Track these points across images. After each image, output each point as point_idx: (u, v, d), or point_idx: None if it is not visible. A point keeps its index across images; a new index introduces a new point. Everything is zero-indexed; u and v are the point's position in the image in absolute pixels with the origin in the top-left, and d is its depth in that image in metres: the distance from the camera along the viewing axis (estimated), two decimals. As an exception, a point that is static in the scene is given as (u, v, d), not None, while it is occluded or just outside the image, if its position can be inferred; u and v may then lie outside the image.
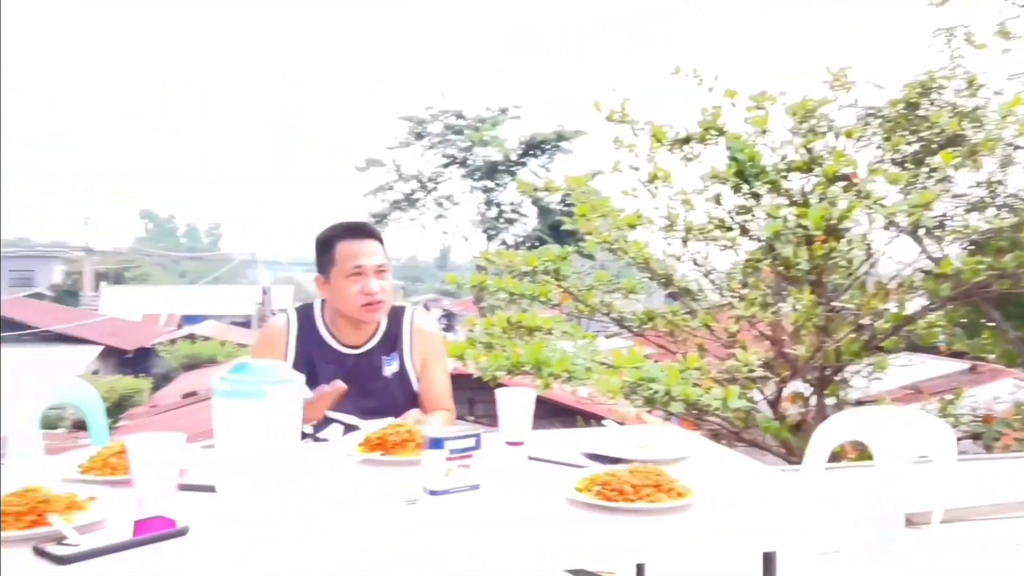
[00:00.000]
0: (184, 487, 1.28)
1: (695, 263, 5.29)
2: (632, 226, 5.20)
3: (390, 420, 1.94)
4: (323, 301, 2.15)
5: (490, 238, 26.79)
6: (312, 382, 1.89)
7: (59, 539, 1.05)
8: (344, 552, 1.10)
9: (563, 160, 26.60)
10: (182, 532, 1.09)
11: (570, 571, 1.46)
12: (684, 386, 4.33)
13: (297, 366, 1.98)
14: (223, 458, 1.22)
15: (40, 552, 1.03)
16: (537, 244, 20.00)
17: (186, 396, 13.99)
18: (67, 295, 33.35)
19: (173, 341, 24.00)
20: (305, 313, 2.13)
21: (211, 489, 1.28)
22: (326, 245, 2.09)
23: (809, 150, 4.83)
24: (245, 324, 32.94)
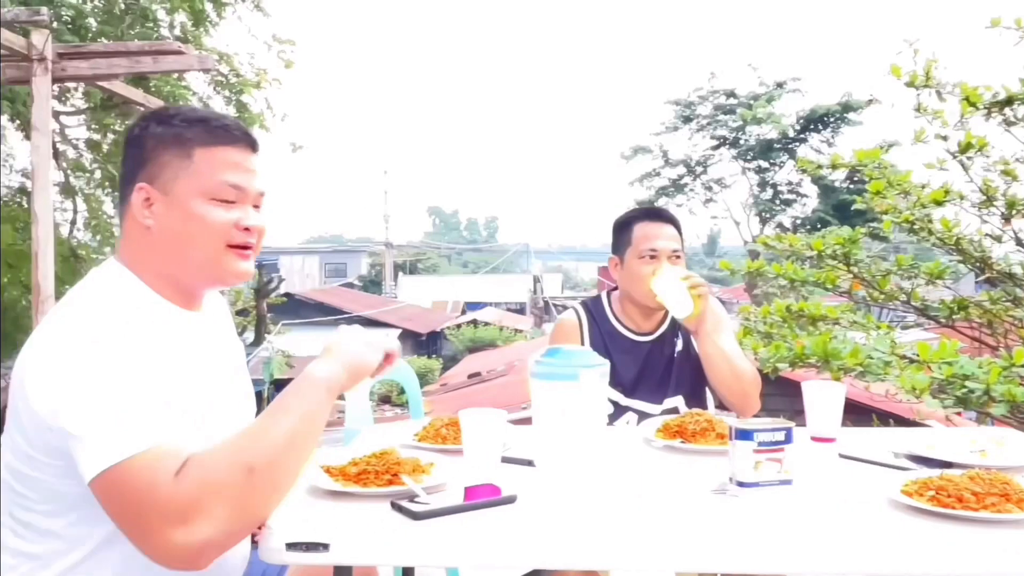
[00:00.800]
0: (505, 459, 1.41)
1: (1019, 243, 4.59)
2: (939, 203, 4.61)
3: (678, 402, 1.95)
4: (609, 293, 2.21)
5: (764, 221, 25.43)
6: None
7: (411, 497, 1.21)
8: (658, 535, 1.13)
9: (850, 133, 24.34)
10: (511, 500, 1.20)
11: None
12: (1009, 385, 3.77)
13: None
14: (540, 435, 1.32)
15: (397, 507, 1.19)
16: (818, 226, 18.61)
17: (471, 376, 15.19)
18: (372, 284, 37.90)
19: (459, 326, 26.18)
20: (594, 306, 2.20)
21: (530, 463, 1.39)
22: (625, 226, 2.16)
23: None
24: (519, 311, 34.89)
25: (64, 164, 9.72)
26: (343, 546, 1.11)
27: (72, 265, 9.69)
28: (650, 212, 2.20)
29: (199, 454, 1.09)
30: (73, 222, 10.43)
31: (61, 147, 9.37)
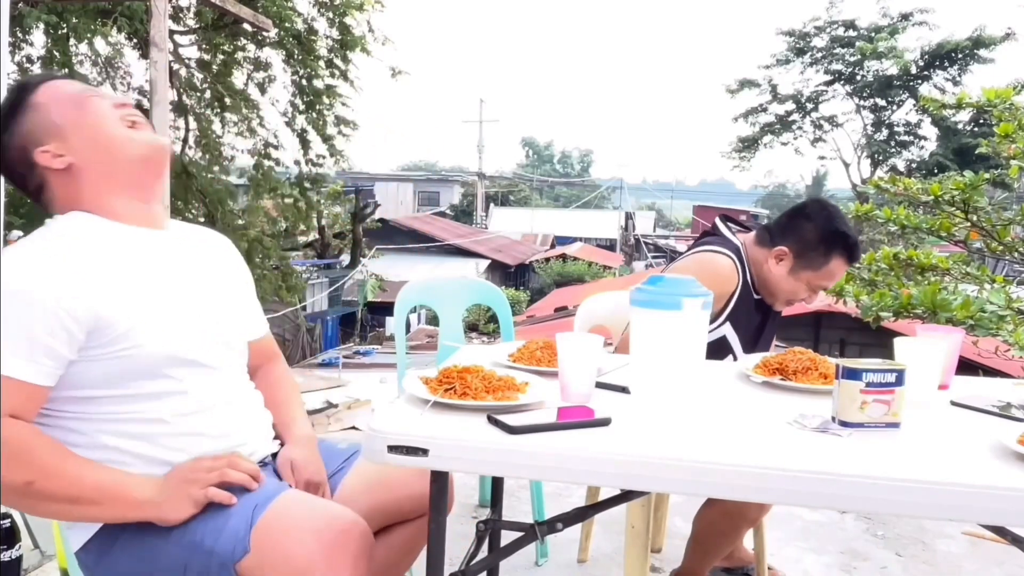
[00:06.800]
0: (600, 384, 1.42)
1: None
2: (1076, 149, 4.25)
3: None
4: (746, 249, 2.08)
5: (876, 164, 24.03)
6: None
7: (507, 412, 1.24)
8: (752, 466, 1.11)
9: (979, 72, 22.42)
10: (605, 422, 1.21)
11: (988, 527, 1.33)
12: None
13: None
14: (638, 363, 1.32)
15: (493, 421, 1.22)
16: (935, 171, 17.48)
17: (557, 310, 15.26)
18: (463, 214, 38.23)
19: (547, 260, 26.22)
20: (738, 257, 2.05)
21: (624, 390, 1.39)
22: (825, 247, 1.98)
23: None
24: (610, 247, 34.57)
25: (177, 83, 10.10)
26: (441, 452, 1.15)
27: (184, 182, 10.17)
28: (855, 253, 2.00)
29: (35, 429, 1.19)
30: (184, 140, 10.90)
31: (174, 66, 9.72)
